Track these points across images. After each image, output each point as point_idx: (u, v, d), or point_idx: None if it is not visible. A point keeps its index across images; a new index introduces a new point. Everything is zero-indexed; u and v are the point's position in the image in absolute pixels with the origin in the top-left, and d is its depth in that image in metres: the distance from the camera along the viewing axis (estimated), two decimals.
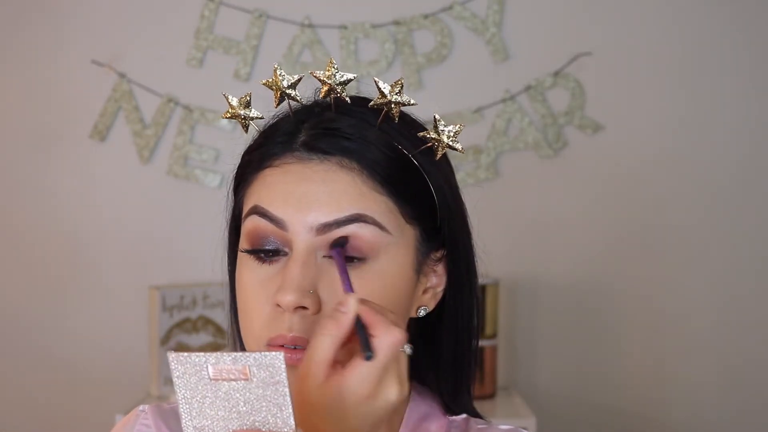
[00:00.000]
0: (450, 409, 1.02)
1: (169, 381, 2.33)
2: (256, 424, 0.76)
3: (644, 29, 2.49)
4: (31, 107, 2.55)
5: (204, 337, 2.39)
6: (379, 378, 0.81)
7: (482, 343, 2.32)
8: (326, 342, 0.82)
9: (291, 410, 0.75)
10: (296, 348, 0.89)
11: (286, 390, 0.74)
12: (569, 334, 2.49)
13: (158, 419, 1.01)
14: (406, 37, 2.49)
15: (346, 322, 0.82)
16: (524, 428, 1.06)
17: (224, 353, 0.75)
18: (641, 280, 2.49)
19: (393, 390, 0.82)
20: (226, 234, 1.02)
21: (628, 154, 2.49)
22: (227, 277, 1.03)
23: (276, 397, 0.75)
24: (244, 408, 0.76)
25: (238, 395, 0.75)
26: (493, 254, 2.51)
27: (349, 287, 0.86)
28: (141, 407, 1.03)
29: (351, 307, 0.82)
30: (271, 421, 0.75)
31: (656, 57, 2.49)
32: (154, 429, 1.00)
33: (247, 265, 0.94)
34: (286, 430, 0.75)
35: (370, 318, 0.82)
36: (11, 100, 2.56)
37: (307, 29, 2.49)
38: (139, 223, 2.53)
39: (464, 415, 1.02)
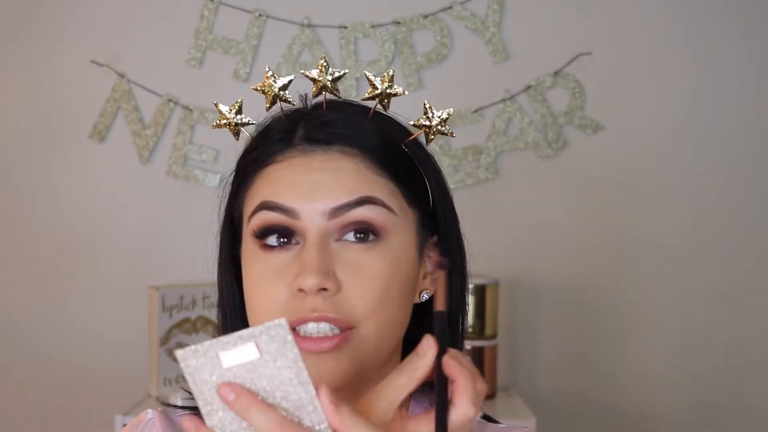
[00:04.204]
0: None
1: (168, 381, 2.33)
2: (280, 398, 0.75)
3: (644, 29, 2.49)
4: (30, 107, 2.55)
5: (204, 338, 2.39)
6: None
7: (482, 343, 2.33)
8: (403, 381, 0.80)
9: (306, 375, 0.74)
10: (319, 334, 0.90)
11: (297, 354, 0.74)
12: (569, 334, 2.49)
13: (168, 429, 1.00)
14: (405, 37, 2.49)
15: (423, 367, 0.80)
16: (525, 427, 1.06)
17: (229, 335, 0.74)
18: (640, 280, 2.49)
19: None
20: (218, 241, 1.02)
21: (628, 154, 2.49)
22: (218, 288, 1.03)
23: (289, 363, 0.74)
24: (266, 384, 0.74)
25: (254, 375, 0.74)
26: (493, 254, 2.50)
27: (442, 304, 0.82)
28: (149, 414, 1.02)
29: (428, 354, 0.80)
30: (292, 390, 0.74)
31: (656, 57, 2.49)
32: None
33: (256, 258, 0.94)
34: (306, 393, 0.74)
35: (457, 378, 0.80)
36: (11, 100, 2.56)
37: (307, 29, 2.49)
38: (138, 223, 2.53)
39: None
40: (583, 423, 2.49)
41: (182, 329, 2.37)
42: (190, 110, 2.51)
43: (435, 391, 0.78)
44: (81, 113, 2.53)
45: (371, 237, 0.92)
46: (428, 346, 0.80)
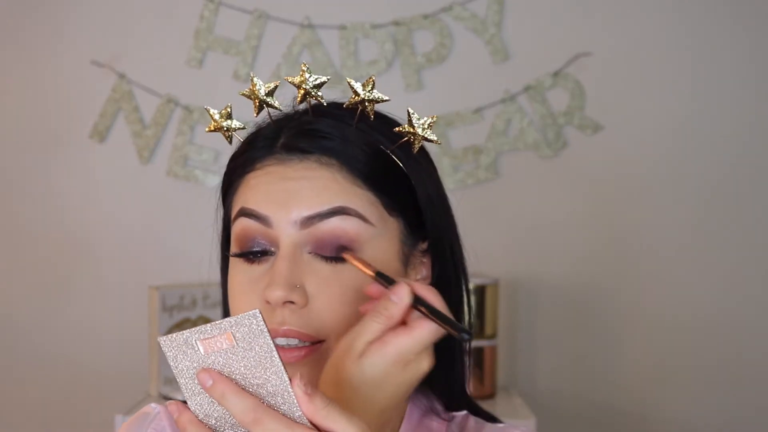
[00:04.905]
0: (450, 406, 1.02)
1: (169, 381, 2.33)
2: (256, 386, 0.77)
3: (644, 29, 2.49)
4: (31, 107, 2.55)
5: None
6: (419, 352, 0.86)
7: (482, 343, 2.33)
8: (375, 326, 0.86)
9: (280, 364, 0.76)
10: (289, 345, 0.91)
11: (271, 344, 0.76)
12: (569, 334, 2.49)
13: (174, 422, 1.01)
14: (405, 38, 2.49)
15: (397, 313, 0.86)
16: (522, 426, 1.06)
17: (207, 324, 0.77)
18: (640, 280, 2.49)
19: (425, 362, 0.87)
20: (219, 243, 1.04)
21: (628, 154, 2.49)
22: (221, 287, 1.05)
23: (263, 353, 0.76)
24: (243, 372, 0.77)
25: (231, 363, 0.77)
26: (493, 254, 2.50)
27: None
28: (155, 409, 1.04)
29: (404, 299, 0.85)
30: (267, 378, 0.77)
31: (656, 57, 2.49)
32: (170, 431, 1.01)
33: (236, 267, 0.96)
34: (280, 382, 0.77)
35: (430, 299, 0.86)
36: (11, 100, 2.56)
37: (307, 29, 2.49)
38: (139, 223, 2.53)
39: (464, 412, 1.03)
40: (583, 423, 2.49)
41: (182, 329, 2.37)
42: (190, 110, 2.51)
43: (423, 308, 0.85)
44: (81, 113, 2.53)
45: (338, 260, 0.92)
46: (404, 294, 0.85)
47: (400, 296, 0.85)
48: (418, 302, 0.85)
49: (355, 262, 0.91)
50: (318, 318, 0.91)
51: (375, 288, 0.88)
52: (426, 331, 0.85)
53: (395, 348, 0.85)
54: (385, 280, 0.88)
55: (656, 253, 2.49)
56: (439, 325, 0.84)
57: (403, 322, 0.86)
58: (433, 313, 0.84)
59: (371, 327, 0.85)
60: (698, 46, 2.48)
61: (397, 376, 0.86)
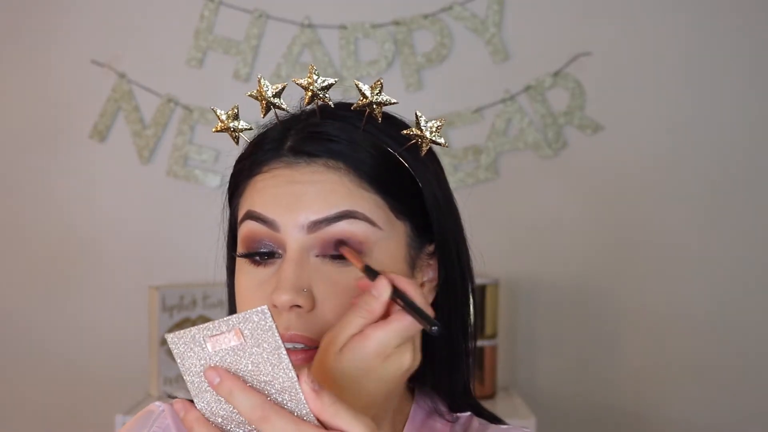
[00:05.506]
0: (454, 407, 1.02)
1: (168, 381, 2.33)
2: (264, 383, 0.77)
3: (644, 29, 2.49)
4: (31, 107, 2.55)
5: None
6: (398, 344, 0.85)
7: (482, 343, 2.33)
8: (357, 321, 0.85)
9: (288, 361, 0.76)
10: (295, 348, 0.91)
11: (279, 341, 0.76)
12: (569, 334, 2.49)
13: (179, 421, 1.01)
14: (405, 37, 2.49)
15: (378, 307, 0.85)
16: (526, 428, 1.06)
17: (214, 321, 0.77)
18: (640, 280, 2.49)
19: (407, 356, 0.86)
20: (225, 245, 1.04)
21: (628, 154, 2.49)
22: (226, 288, 1.05)
23: (271, 350, 0.76)
24: (250, 369, 0.77)
25: (239, 360, 0.77)
26: (493, 254, 2.51)
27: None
28: (160, 407, 1.04)
29: (383, 293, 0.85)
30: (275, 375, 0.77)
31: (656, 57, 2.49)
32: (174, 430, 1.01)
33: (243, 269, 0.96)
34: (288, 379, 0.77)
35: (409, 292, 0.86)
36: (11, 100, 2.56)
37: (307, 29, 2.49)
38: (139, 223, 2.53)
39: (468, 413, 1.03)
40: (583, 423, 2.49)
41: (182, 329, 2.37)
42: (190, 110, 2.51)
43: (400, 300, 0.85)
44: (81, 113, 2.53)
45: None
46: (383, 288, 0.85)
47: (380, 291, 0.85)
48: (396, 295, 0.85)
49: (348, 255, 0.91)
50: (324, 322, 0.91)
51: (365, 282, 0.88)
52: (403, 323, 0.85)
53: (374, 341, 0.84)
54: (371, 273, 0.88)
55: (656, 253, 2.49)
56: (413, 317, 0.84)
57: (387, 316, 0.86)
58: (408, 305, 0.84)
59: (354, 321, 0.85)
60: (698, 46, 2.48)
61: (377, 369, 0.85)
